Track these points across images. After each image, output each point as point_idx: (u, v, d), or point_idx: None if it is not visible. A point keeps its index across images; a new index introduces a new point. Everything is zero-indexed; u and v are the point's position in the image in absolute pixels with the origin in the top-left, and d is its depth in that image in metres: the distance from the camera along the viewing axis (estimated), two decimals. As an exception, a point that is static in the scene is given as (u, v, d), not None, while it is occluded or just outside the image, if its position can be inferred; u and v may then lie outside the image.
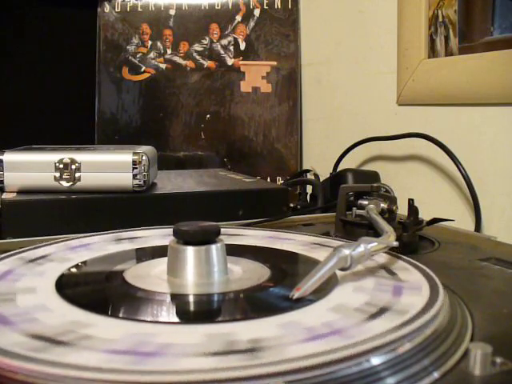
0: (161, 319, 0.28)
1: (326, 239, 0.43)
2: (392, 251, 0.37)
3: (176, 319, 0.29)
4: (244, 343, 0.23)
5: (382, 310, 0.27)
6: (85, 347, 0.23)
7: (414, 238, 0.45)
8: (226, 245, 0.34)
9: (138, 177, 0.56)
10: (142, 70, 0.99)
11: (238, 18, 0.99)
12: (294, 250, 0.40)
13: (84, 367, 0.21)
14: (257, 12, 0.98)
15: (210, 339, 0.23)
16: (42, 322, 0.25)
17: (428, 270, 0.33)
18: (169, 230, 0.44)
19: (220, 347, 0.23)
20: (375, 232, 0.42)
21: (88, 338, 0.24)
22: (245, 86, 0.98)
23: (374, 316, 0.26)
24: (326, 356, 0.21)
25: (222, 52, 0.99)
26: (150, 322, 0.27)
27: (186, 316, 0.30)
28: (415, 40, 0.73)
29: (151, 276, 0.34)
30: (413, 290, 0.30)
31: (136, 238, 0.43)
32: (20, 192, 0.55)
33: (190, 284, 0.32)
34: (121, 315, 0.28)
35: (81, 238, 0.42)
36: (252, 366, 0.20)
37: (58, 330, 0.24)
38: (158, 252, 0.38)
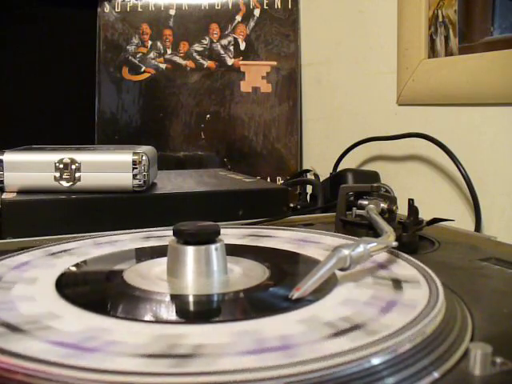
0: (160, 320, 0.28)
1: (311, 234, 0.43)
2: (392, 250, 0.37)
3: (176, 319, 0.29)
4: (273, 340, 0.23)
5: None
6: (116, 353, 0.22)
7: (414, 238, 0.44)
8: (226, 245, 0.34)
9: (138, 177, 0.56)
10: (142, 69, 0.99)
11: (238, 18, 0.99)
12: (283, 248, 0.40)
13: (126, 372, 0.20)
14: (257, 12, 0.98)
15: (240, 338, 0.24)
16: (58, 330, 0.25)
17: (428, 270, 0.33)
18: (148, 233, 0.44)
19: (250, 347, 0.23)
20: (375, 232, 0.42)
21: (115, 343, 0.23)
22: (245, 86, 0.98)
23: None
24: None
25: (221, 52, 0.99)
26: (153, 322, 0.27)
27: (186, 316, 0.30)
28: (415, 40, 0.73)
29: (151, 276, 0.34)
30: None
31: (115, 241, 0.43)
32: (20, 192, 0.55)
33: (190, 284, 0.32)
34: (123, 316, 0.28)
35: (62, 243, 0.42)
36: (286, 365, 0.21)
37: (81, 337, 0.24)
38: (158, 252, 0.38)
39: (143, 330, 0.25)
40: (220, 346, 0.23)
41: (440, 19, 0.71)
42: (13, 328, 0.25)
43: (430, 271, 0.33)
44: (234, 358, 0.22)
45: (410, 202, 0.45)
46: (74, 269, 0.36)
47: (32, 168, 0.56)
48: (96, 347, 0.23)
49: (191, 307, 0.30)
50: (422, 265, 0.34)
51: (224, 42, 0.99)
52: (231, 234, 0.45)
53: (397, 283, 0.31)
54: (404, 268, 0.34)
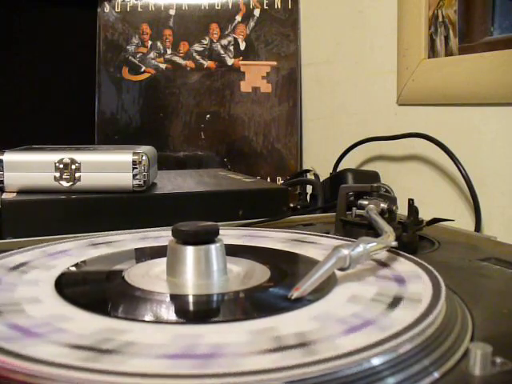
0: (160, 320, 0.28)
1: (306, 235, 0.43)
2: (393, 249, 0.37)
3: (176, 319, 0.29)
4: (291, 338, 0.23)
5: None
6: (133, 354, 0.22)
7: (414, 238, 0.44)
8: (226, 245, 0.34)
9: (137, 177, 0.56)
10: (142, 69, 0.99)
11: (238, 18, 0.99)
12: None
13: (145, 374, 0.20)
14: (257, 12, 0.98)
15: (258, 337, 0.24)
16: (72, 332, 0.25)
17: (432, 269, 0.33)
18: (144, 234, 0.44)
19: (270, 345, 0.23)
20: (375, 232, 0.42)
21: (132, 344, 0.23)
22: (245, 86, 0.98)
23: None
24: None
25: (221, 52, 0.99)
26: (153, 322, 0.27)
27: (186, 316, 0.30)
28: (415, 40, 0.73)
29: (150, 276, 0.33)
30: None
31: (112, 242, 0.43)
32: (20, 192, 0.55)
33: (189, 284, 0.32)
34: (123, 316, 0.28)
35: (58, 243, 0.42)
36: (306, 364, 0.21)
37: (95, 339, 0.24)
38: (157, 252, 0.38)
39: (160, 330, 0.25)
40: (238, 344, 0.23)
41: (440, 19, 0.71)
42: (25, 331, 0.24)
43: (430, 267, 0.33)
44: (254, 357, 0.22)
45: (410, 202, 0.45)
46: (74, 269, 0.36)
47: (32, 168, 0.56)
48: (113, 349, 0.22)
49: (201, 307, 0.30)
50: (422, 262, 0.34)
51: (224, 42, 0.99)
52: (230, 234, 0.45)
53: (398, 283, 0.31)
54: (405, 265, 0.34)
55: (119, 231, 0.46)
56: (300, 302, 0.28)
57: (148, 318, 0.27)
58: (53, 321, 0.26)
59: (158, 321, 0.27)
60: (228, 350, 0.22)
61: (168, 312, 0.29)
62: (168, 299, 0.31)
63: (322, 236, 0.44)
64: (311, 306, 0.28)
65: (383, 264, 0.35)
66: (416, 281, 0.31)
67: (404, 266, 0.35)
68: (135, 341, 0.23)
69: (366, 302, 0.28)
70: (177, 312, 0.29)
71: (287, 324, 0.25)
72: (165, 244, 0.34)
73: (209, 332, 0.25)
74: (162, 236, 0.43)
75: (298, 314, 0.27)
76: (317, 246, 0.41)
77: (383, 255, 0.36)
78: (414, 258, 0.36)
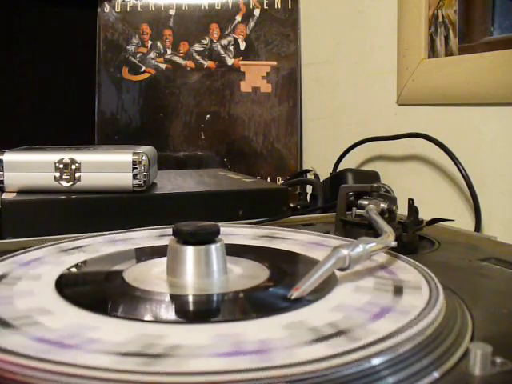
0: (160, 319, 0.28)
1: (325, 238, 0.43)
2: (392, 251, 0.37)
3: (176, 319, 0.29)
4: (252, 344, 0.23)
5: (383, 311, 0.27)
6: (92, 350, 0.22)
7: (414, 237, 0.44)
8: (226, 245, 0.34)
9: (138, 177, 0.56)
10: (142, 70, 0.99)
11: (238, 18, 0.99)
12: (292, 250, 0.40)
13: (95, 367, 0.21)
14: (257, 12, 0.98)
15: (218, 340, 0.24)
16: (45, 326, 0.25)
17: (427, 270, 0.33)
18: (161, 231, 0.44)
19: (228, 348, 0.23)
20: (375, 232, 0.42)
21: (95, 340, 0.23)
22: (245, 86, 0.98)
23: (375, 317, 0.26)
24: (333, 360, 0.21)
25: (221, 52, 0.99)
26: (153, 322, 0.27)
27: (186, 316, 0.30)
28: (415, 40, 0.73)
29: (151, 276, 0.34)
30: (413, 290, 0.30)
31: (130, 239, 0.43)
32: (20, 192, 0.55)
33: (190, 284, 0.32)
34: (123, 316, 0.28)
35: (74, 240, 0.42)
36: (261, 369, 0.21)
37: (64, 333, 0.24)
38: (158, 252, 0.38)
39: (124, 328, 0.25)
40: (196, 347, 0.23)
41: (440, 19, 0.71)
42: (3, 323, 0.25)
43: (429, 271, 0.33)
44: (206, 359, 0.22)
45: (410, 202, 0.45)
46: (74, 268, 0.36)
47: (32, 168, 0.56)
48: (75, 344, 0.23)
49: (181, 307, 0.30)
50: (421, 265, 0.34)
51: (224, 42, 0.99)
52: (245, 234, 0.45)
53: (397, 284, 0.31)
54: (404, 268, 0.34)
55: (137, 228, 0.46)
56: (287, 306, 0.28)
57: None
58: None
59: (128, 318, 0.27)
60: (182, 352, 0.22)
61: (143, 311, 0.29)
62: (189, 299, 0.31)
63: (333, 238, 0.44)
64: (287, 314, 0.27)
65: (382, 267, 0.35)
66: (411, 292, 0.31)
67: (402, 268, 0.35)
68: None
69: (349, 311, 0.27)
70: (151, 311, 0.29)
71: (255, 330, 0.25)
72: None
73: (172, 333, 0.25)
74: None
75: (273, 320, 0.26)
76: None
77: (382, 257, 0.36)
78: (413, 261, 0.36)
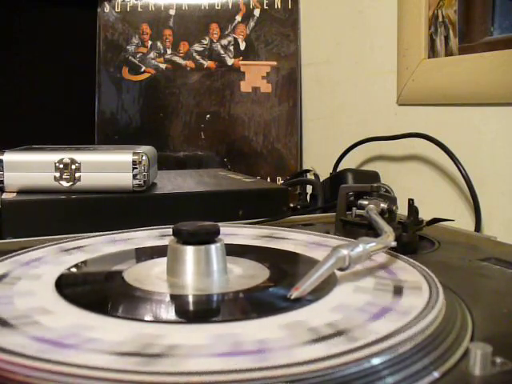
0: (159, 319, 0.28)
1: (325, 238, 0.43)
2: (391, 251, 0.37)
3: (176, 319, 0.29)
4: (251, 344, 0.23)
5: (382, 311, 0.27)
6: (91, 350, 0.22)
7: (414, 238, 0.44)
8: (226, 245, 0.34)
9: (138, 177, 0.56)
10: (142, 70, 0.99)
11: (238, 18, 0.99)
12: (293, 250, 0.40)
13: (93, 367, 0.21)
14: (257, 12, 0.98)
15: (217, 340, 0.24)
16: (44, 326, 0.25)
17: (427, 270, 0.33)
18: (162, 231, 0.44)
19: (227, 348, 0.23)
20: (375, 232, 0.42)
21: (94, 340, 0.23)
22: (245, 86, 0.98)
23: (375, 317, 0.26)
24: (332, 360, 0.21)
25: (221, 52, 0.99)
26: (153, 322, 0.27)
27: (186, 316, 0.30)
28: (415, 40, 0.73)
29: (151, 276, 0.34)
30: (413, 290, 0.30)
31: (130, 239, 0.43)
32: (20, 192, 0.55)
33: (190, 284, 0.32)
34: (123, 316, 0.28)
35: (74, 240, 0.42)
36: (261, 369, 0.20)
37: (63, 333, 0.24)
38: (158, 252, 0.38)
39: (124, 328, 0.25)
40: (195, 347, 0.23)
41: (440, 19, 0.71)
42: (3, 322, 0.25)
43: (429, 271, 0.33)
44: (205, 359, 0.22)
45: (410, 202, 0.45)
46: (74, 268, 0.36)
47: (32, 168, 0.56)
48: (74, 344, 0.23)
49: (180, 307, 0.30)
50: (421, 265, 0.34)
51: (224, 42, 0.99)
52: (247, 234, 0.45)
53: (397, 284, 0.31)
54: (404, 269, 0.34)
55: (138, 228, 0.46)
56: (287, 306, 0.28)
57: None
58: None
59: (127, 318, 0.27)
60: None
61: (143, 311, 0.29)
62: (189, 299, 0.31)
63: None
64: (287, 314, 0.27)
65: (382, 267, 0.35)
66: (411, 292, 0.31)
67: (402, 268, 0.35)
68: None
69: (349, 311, 0.27)
70: (152, 311, 0.29)
71: (254, 330, 0.25)
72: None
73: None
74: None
75: (271, 320, 0.26)
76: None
77: (382, 258, 0.36)
78: (413, 261, 0.36)
